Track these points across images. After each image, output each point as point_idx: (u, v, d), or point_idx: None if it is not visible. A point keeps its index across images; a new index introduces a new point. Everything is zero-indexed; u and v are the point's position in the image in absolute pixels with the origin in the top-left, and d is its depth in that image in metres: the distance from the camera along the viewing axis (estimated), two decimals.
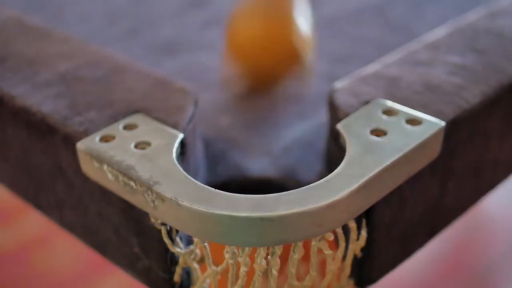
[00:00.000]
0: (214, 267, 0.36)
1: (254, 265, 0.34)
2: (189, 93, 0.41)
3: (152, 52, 0.60)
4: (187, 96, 0.40)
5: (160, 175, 0.33)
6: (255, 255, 0.34)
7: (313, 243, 0.34)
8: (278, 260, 0.34)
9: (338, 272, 0.39)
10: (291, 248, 0.35)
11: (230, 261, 0.34)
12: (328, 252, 0.35)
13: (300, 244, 0.34)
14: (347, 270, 0.39)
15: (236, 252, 0.34)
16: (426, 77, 0.42)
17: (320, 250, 0.35)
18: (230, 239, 0.32)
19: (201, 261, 0.37)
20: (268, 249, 0.34)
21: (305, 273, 0.37)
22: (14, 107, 0.41)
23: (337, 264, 0.37)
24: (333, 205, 0.31)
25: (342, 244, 0.36)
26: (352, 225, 0.36)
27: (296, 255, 0.35)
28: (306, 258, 0.36)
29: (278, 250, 0.34)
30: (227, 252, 0.34)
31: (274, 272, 0.34)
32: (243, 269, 0.34)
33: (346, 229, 0.37)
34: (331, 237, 0.34)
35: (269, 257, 0.34)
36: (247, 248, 0.33)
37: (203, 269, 0.37)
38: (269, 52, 0.49)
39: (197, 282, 0.38)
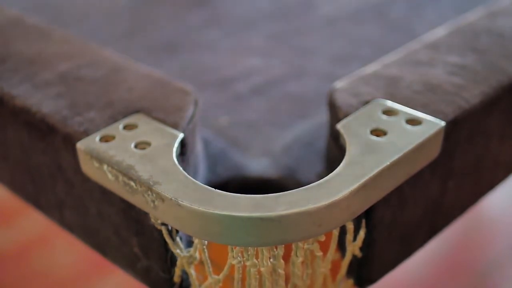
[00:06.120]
0: (215, 276, 0.36)
1: (261, 268, 0.34)
2: (189, 93, 0.41)
3: (152, 52, 0.60)
4: (187, 96, 0.40)
5: (160, 175, 0.33)
6: (259, 257, 0.34)
7: (306, 246, 0.34)
8: (282, 261, 0.34)
9: (336, 271, 0.39)
10: (293, 252, 0.35)
11: (238, 265, 0.34)
12: (319, 254, 0.35)
13: (301, 246, 0.34)
14: (344, 270, 0.39)
15: (241, 254, 0.34)
16: (426, 77, 0.42)
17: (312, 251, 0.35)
18: (230, 239, 0.32)
19: (201, 263, 0.37)
20: (269, 250, 0.34)
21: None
22: (14, 107, 0.41)
23: (328, 266, 0.37)
24: (333, 205, 0.31)
25: (333, 246, 0.36)
26: (350, 226, 0.36)
27: (299, 259, 0.35)
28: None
29: (280, 251, 0.34)
30: (233, 256, 0.34)
31: (281, 271, 0.34)
32: (252, 270, 0.34)
33: (345, 229, 0.37)
34: (322, 238, 0.34)
35: (271, 259, 0.34)
36: (251, 249, 0.33)
37: (203, 271, 0.37)
38: None
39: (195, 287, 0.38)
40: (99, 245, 0.42)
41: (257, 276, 0.34)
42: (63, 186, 0.41)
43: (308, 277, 0.36)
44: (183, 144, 0.37)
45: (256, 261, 0.34)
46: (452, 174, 0.41)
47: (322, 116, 0.47)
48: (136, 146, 0.36)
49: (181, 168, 0.34)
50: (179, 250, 0.36)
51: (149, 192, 0.33)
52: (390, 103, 0.39)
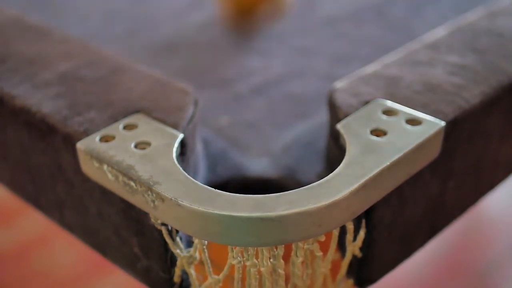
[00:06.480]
0: (215, 276, 0.36)
1: (261, 268, 0.34)
2: (189, 93, 0.41)
3: (152, 52, 0.60)
4: (187, 96, 0.40)
5: (160, 175, 0.33)
6: (259, 257, 0.34)
7: (306, 246, 0.34)
8: (282, 261, 0.34)
9: (336, 271, 0.39)
10: (293, 252, 0.35)
11: (238, 265, 0.34)
12: (319, 254, 0.35)
13: (301, 246, 0.34)
14: (344, 270, 0.39)
15: (241, 254, 0.34)
16: (426, 77, 0.42)
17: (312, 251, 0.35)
18: (230, 239, 0.32)
19: (201, 263, 0.37)
20: (269, 250, 0.34)
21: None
22: (14, 107, 0.41)
23: (328, 266, 0.37)
24: (333, 205, 0.31)
25: (333, 246, 0.36)
26: (350, 226, 0.36)
27: (299, 259, 0.35)
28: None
29: (280, 251, 0.34)
30: (233, 256, 0.34)
31: (281, 271, 0.34)
32: (252, 270, 0.34)
33: (345, 229, 0.37)
34: (322, 238, 0.34)
35: (271, 259, 0.34)
36: (251, 249, 0.33)
37: (203, 271, 0.37)
38: None
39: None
40: (99, 245, 0.42)
41: (257, 276, 0.34)
42: (63, 186, 0.41)
43: (308, 277, 0.36)
44: (183, 144, 0.37)
45: (256, 261, 0.34)
46: (452, 174, 0.41)
47: (322, 116, 0.47)
48: (136, 146, 0.36)
49: (181, 168, 0.34)
50: (179, 250, 0.36)
51: (149, 192, 0.33)
52: (390, 103, 0.39)
